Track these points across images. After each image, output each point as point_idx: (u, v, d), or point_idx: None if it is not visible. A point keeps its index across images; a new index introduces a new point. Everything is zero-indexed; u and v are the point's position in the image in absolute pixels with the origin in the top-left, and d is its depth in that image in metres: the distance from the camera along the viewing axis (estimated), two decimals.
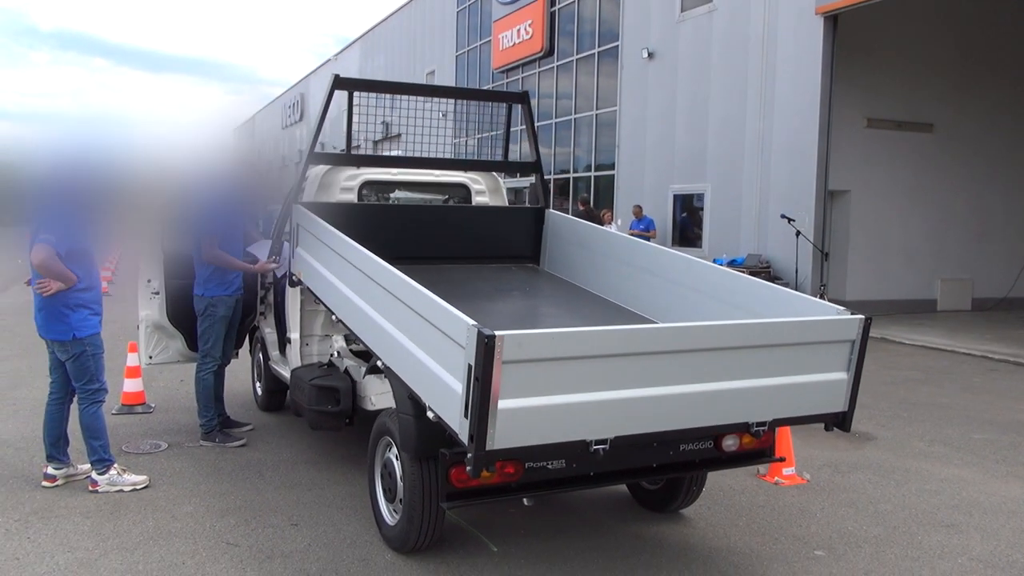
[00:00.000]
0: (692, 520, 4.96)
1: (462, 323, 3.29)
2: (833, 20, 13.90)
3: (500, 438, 3.28)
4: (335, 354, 5.99)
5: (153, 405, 7.47)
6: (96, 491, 5.23)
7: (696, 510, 5.08)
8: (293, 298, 6.18)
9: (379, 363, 4.30)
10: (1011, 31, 16.01)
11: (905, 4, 13.28)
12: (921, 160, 16.07)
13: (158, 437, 6.53)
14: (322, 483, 5.52)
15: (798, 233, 13.72)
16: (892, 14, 14.10)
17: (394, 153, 6.43)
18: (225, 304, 6.36)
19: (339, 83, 5.68)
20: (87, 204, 5.14)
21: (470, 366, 3.23)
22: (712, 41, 16.54)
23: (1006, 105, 16.47)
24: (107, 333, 5.59)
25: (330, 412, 5.53)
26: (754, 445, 4.32)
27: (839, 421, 4.06)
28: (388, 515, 4.50)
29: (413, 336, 3.80)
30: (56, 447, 5.39)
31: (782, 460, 4.50)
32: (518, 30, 23.61)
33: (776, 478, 5.65)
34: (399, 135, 5.92)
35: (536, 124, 6.51)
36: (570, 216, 6.52)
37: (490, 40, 25.73)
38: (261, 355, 7.42)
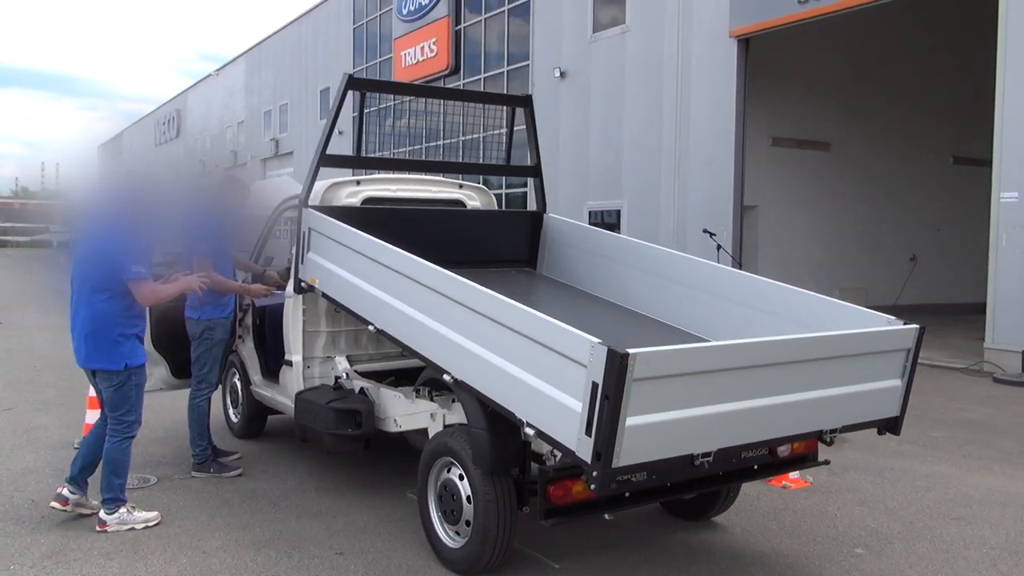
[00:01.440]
0: (727, 527, 5.10)
1: (584, 341, 3.30)
2: (745, 43, 14.60)
3: (625, 455, 3.30)
4: (343, 375, 5.83)
5: None
6: (105, 531, 4.89)
7: (725, 517, 5.22)
8: (294, 318, 5.97)
9: (447, 378, 4.21)
10: (897, 57, 17.24)
11: (805, 31, 14.12)
12: (820, 176, 17.07)
13: (139, 470, 6.16)
14: (345, 510, 5.34)
15: (719, 247, 14.28)
16: (794, 39, 14.94)
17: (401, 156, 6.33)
18: (223, 327, 6.10)
19: (352, 83, 5.57)
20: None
21: (595, 384, 3.24)
22: (626, 61, 17.05)
23: (894, 126, 17.71)
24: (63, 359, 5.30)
25: (350, 436, 5.39)
26: (801, 451, 4.51)
27: (891, 425, 4.29)
28: (448, 538, 4.41)
29: (505, 353, 3.76)
30: (84, 472, 5.10)
31: (827, 463, 4.69)
32: (422, 48, 23.60)
33: (784, 482, 5.88)
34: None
35: (536, 130, 6.55)
36: (573, 220, 6.59)
37: (391, 57, 25.59)
38: (238, 380, 7.12)
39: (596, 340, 3.25)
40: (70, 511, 5.05)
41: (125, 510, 5.00)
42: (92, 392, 6.96)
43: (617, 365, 3.16)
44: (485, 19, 21.54)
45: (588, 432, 3.31)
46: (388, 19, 25.95)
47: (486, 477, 4.10)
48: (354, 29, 28.29)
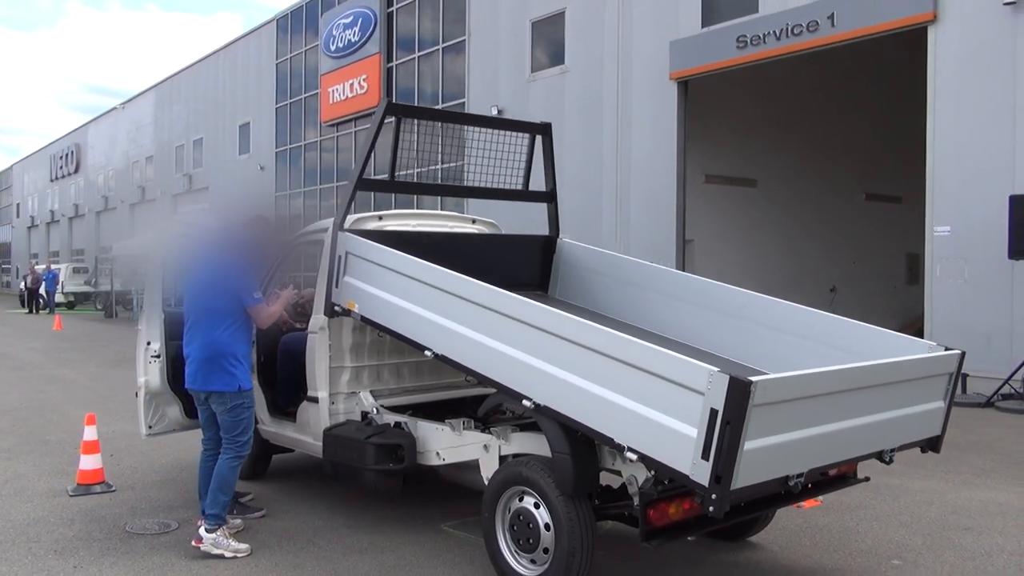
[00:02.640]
0: (764, 546, 5.32)
1: (702, 370, 3.47)
2: (685, 85, 15.26)
3: (741, 477, 3.48)
4: (373, 410, 5.82)
5: (113, 484, 6.77)
6: (199, 547, 5.07)
7: (756, 537, 5.45)
8: (320, 353, 5.92)
9: (526, 403, 4.30)
10: (814, 101, 18.29)
11: (733, 75, 14.88)
12: (748, 212, 17.89)
13: (147, 516, 5.96)
14: (389, 546, 5.32)
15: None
16: (724, 82, 15.67)
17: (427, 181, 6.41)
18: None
19: (391, 108, 5.65)
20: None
21: (714, 410, 3.41)
22: (565, 101, 17.52)
23: (813, 165, 18.75)
24: (53, 400, 5.18)
25: (392, 471, 5.39)
26: (845, 470, 4.79)
27: (933, 444, 4.60)
28: (524, 568, 4.47)
29: (601, 379, 3.88)
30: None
31: (867, 480, 4.98)
32: (351, 84, 23.60)
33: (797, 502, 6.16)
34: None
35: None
36: (586, 245, 6.77)
37: (317, 93, 25.47)
38: None
39: (715, 369, 3.43)
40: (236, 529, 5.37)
41: (223, 533, 5.13)
42: (87, 435, 6.73)
43: (740, 392, 3.34)
44: (418, 57, 21.75)
45: (705, 456, 3.46)
46: (314, 55, 25.84)
47: (569, 501, 4.21)
48: (277, 64, 28.03)
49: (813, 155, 18.76)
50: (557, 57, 17.74)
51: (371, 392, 6.05)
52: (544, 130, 6.55)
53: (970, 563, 5.01)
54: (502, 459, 4.92)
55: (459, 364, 4.78)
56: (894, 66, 18.20)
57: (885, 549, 5.25)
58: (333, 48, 24.24)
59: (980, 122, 11.20)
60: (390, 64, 22.61)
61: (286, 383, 6.66)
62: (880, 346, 4.79)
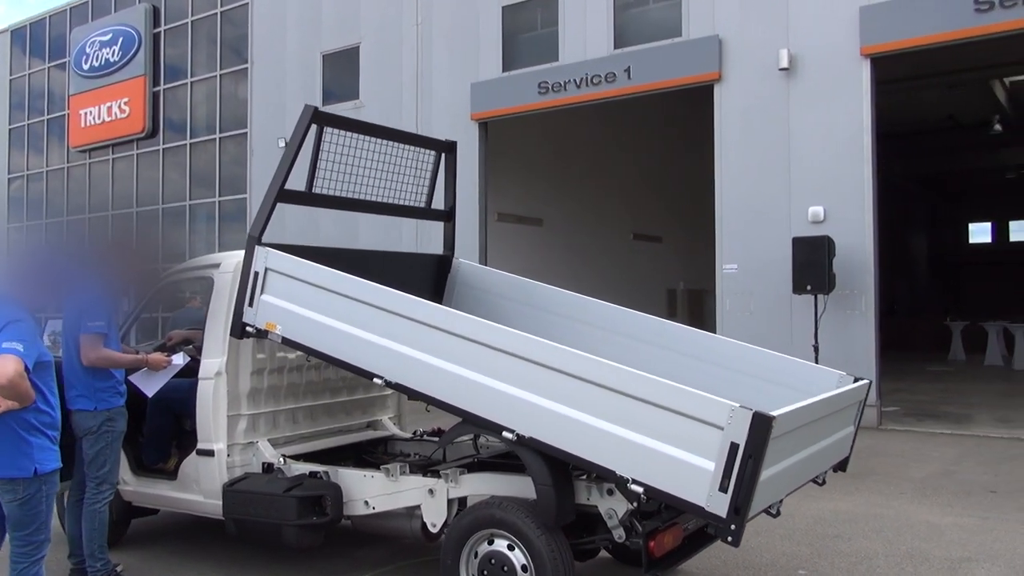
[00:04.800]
0: (683, 570, 5.58)
1: (723, 406, 3.63)
2: (485, 126, 15.70)
3: (755, 507, 3.68)
4: (279, 461, 5.41)
5: None
6: None
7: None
8: (216, 398, 5.41)
9: (507, 435, 4.20)
10: (590, 147, 19.54)
11: (523, 118, 15.60)
12: (536, 249, 18.66)
13: None
14: None
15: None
16: (513, 124, 16.31)
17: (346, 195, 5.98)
18: (123, 416, 5.33)
19: (317, 117, 5.33)
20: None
21: (735, 444, 3.57)
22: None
23: (589, 205, 19.98)
24: None
25: (316, 524, 5.05)
26: None
27: (843, 464, 5.09)
28: None
29: (602, 412, 3.91)
30: None
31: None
32: (109, 107, 21.69)
33: None
34: None
35: None
36: (485, 266, 6.74)
37: (65, 114, 23.13)
38: None
39: (736, 404, 3.61)
40: None
41: None
42: None
43: (763, 427, 3.54)
44: (192, 82, 20.48)
45: (723, 489, 3.61)
46: (60, 73, 23.46)
47: (550, 539, 4.19)
48: (11, 81, 25.09)
49: (590, 196, 20.00)
50: (351, 91, 17.51)
51: (268, 441, 5.64)
52: (449, 148, 6.51)
53: (859, 567, 5.59)
54: (450, 503, 4.79)
55: (420, 393, 4.57)
56: (665, 119, 20.00)
57: (784, 561, 5.71)
58: (86, 67, 22.15)
59: (760, 171, 12.59)
60: (157, 88, 21.07)
61: (159, 436, 6.02)
62: (787, 372, 5.26)
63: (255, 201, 18.69)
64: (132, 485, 5.93)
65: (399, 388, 4.67)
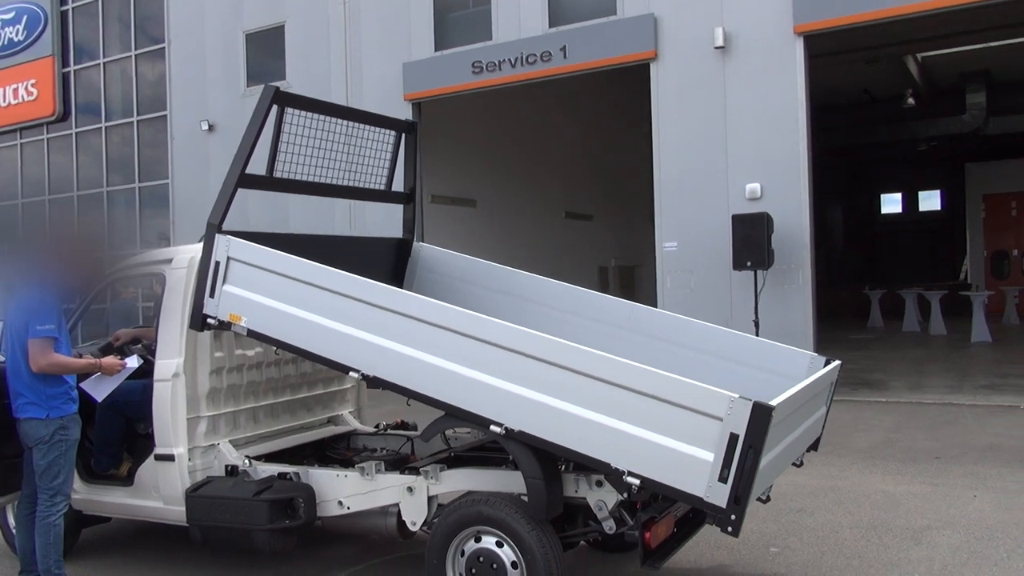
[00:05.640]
0: None
1: (723, 397, 3.61)
2: (418, 106, 15.43)
3: (753, 495, 3.69)
4: (244, 462, 5.21)
5: None
6: None
7: None
8: (174, 400, 5.16)
9: (495, 429, 4.11)
10: (522, 127, 19.44)
11: (457, 99, 15.42)
12: (470, 230, 18.51)
13: None
14: None
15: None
16: (447, 105, 16.11)
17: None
18: (76, 423, 5.04)
19: (278, 98, 5.10)
20: None
21: (734, 435, 3.56)
22: None
23: (523, 185, 19.91)
24: None
25: (290, 528, 4.89)
26: None
27: (815, 444, 5.16)
28: None
29: (599, 406, 3.85)
30: None
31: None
32: (15, 89, 20.55)
33: None
34: None
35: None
36: (446, 250, 6.59)
37: None
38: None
39: (736, 395, 3.59)
40: None
41: None
42: None
43: (763, 416, 3.53)
44: (104, 63, 19.53)
45: (723, 479, 3.61)
46: None
47: (540, 534, 4.13)
48: None
49: (523, 176, 19.92)
50: (277, 72, 16.96)
51: (230, 442, 5.43)
52: (410, 128, 6.34)
53: (828, 539, 5.71)
54: (430, 500, 4.69)
55: (400, 387, 4.43)
56: (597, 99, 20.02)
57: (756, 539, 5.79)
58: None
59: (698, 149, 12.70)
60: (67, 69, 20.04)
61: (107, 443, 5.73)
62: (757, 354, 5.31)
63: (177, 187, 18.02)
64: (83, 493, 5.64)
65: (377, 382, 4.52)
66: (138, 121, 19.11)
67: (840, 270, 32.33)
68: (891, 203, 38.44)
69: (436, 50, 15.04)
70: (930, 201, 36.75)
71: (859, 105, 24.39)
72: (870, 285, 24.83)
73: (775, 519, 6.21)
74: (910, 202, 37.54)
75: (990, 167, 27.37)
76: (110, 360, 5.25)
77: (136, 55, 19.09)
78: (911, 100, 22.35)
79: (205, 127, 17.64)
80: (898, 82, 21.63)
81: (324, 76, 16.32)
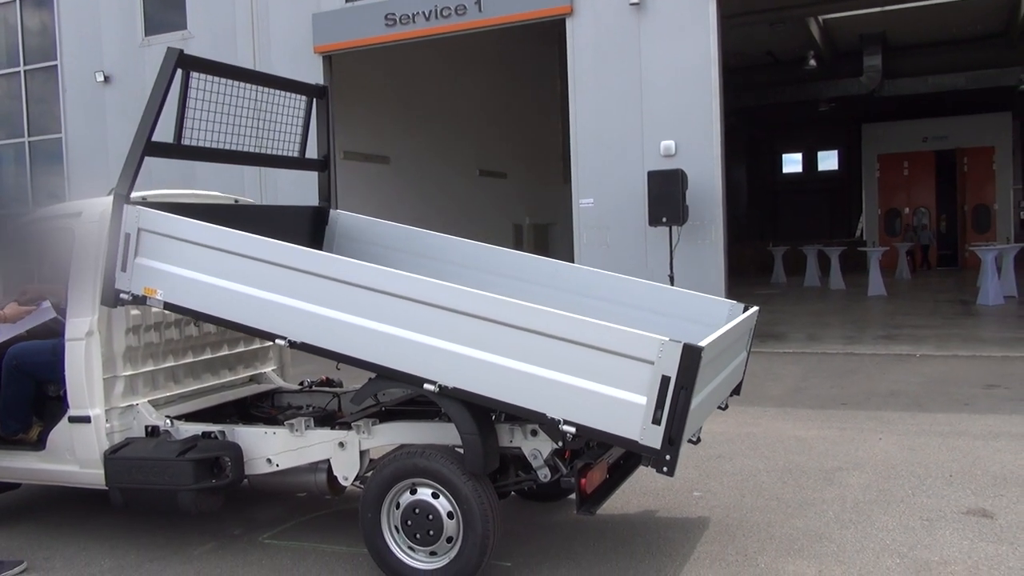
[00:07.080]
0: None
1: (653, 341, 3.67)
2: (329, 60, 15.01)
3: (685, 436, 3.78)
4: (165, 423, 5.05)
5: None
6: None
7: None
8: (88, 360, 4.94)
9: (428, 387, 4.09)
10: (436, 83, 19.17)
11: (372, 53, 15.09)
12: (383, 187, 18.26)
13: None
14: (219, 574, 4.70)
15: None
16: (359, 58, 15.75)
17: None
18: None
19: (182, 61, 4.87)
20: None
21: (666, 377, 3.63)
22: None
23: (436, 143, 19.69)
24: None
25: (217, 487, 4.78)
26: None
27: (737, 388, 5.32)
28: (421, 562, 4.30)
29: (531, 357, 3.86)
30: None
31: None
32: None
33: None
34: None
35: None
36: (365, 216, 6.47)
37: None
38: None
39: (666, 338, 3.66)
40: None
41: None
42: None
43: (693, 358, 3.61)
44: None
45: (656, 421, 3.68)
46: None
47: (477, 485, 4.15)
48: None
49: (437, 133, 19.69)
50: (178, 21, 16.21)
51: (150, 403, 5.25)
52: (321, 93, 6.14)
53: (747, 483, 5.93)
54: (362, 455, 4.65)
55: (330, 351, 4.35)
56: (511, 55, 19.86)
57: (679, 485, 5.94)
58: None
59: (613, 106, 12.78)
60: None
61: (14, 405, 5.45)
62: (678, 304, 5.43)
63: (71, 142, 17.11)
64: None
65: (305, 348, 4.42)
66: (25, 71, 18.00)
67: (744, 228, 33.26)
68: (792, 163, 39.66)
69: (347, 1, 14.62)
70: (829, 161, 38.08)
71: (763, 66, 24.97)
72: (773, 242, 25.67)
73: (696, 466, 6.40)
74: (810, 162, 38.82)
75: (885, 127, 28.50)
76: (14, 306, 4.99)
77: (21, 0, 17.93)
78: (812, 62, 23.00)
79: (100, 78, 16.77)
80: (800, 44, 22.20)
81: (229, 26, 15.70)
